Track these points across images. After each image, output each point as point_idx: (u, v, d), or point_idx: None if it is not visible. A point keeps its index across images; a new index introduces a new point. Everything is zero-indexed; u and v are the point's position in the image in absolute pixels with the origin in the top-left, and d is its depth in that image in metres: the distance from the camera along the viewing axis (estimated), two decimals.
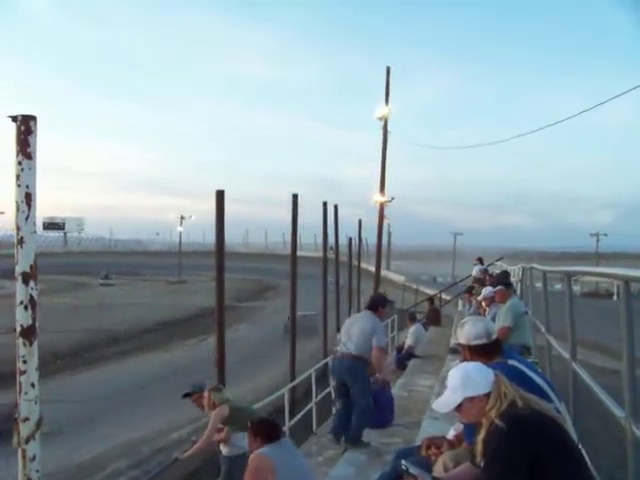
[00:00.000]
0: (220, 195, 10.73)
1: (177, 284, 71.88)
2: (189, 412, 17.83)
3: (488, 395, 3.24)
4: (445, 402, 3.35)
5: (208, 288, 47.58)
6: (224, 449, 8.30)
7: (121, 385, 21.88)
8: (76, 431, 16.26)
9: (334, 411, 9.52)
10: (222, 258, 10.94)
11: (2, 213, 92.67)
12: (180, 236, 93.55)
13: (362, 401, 8.79)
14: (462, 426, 4.68)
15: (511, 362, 4.14)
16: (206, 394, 7.81)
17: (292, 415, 11.89)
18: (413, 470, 3.51)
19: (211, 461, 9.45)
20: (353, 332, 8.81)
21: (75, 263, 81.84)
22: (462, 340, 4.32)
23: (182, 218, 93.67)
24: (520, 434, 3.02)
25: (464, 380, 3.29)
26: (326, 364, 15.98)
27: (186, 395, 8.29)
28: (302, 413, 12.01)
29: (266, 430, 5.37)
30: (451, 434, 4.94)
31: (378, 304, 9.29)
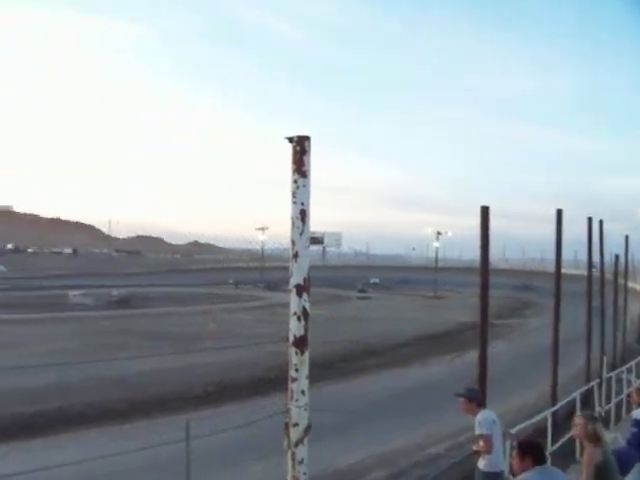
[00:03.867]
0: (485, 211, 10.65)
1: (433, 299, 72.35)
2: (448, 426, 17.81)
3: None
4: None
5: (464, 304, 47.53)
6: (481, 462, 8.10)
7: (377, 397, 22.23)
8: (331, 439, 16.79)
9: None
10: (487, 274, 10.81)
11: (266, 228, 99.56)
12: (436, 252, 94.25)
13: None
14: None
15: None
16: (581, 421, 6.32)
17: (553, 439, 11.39)
18: None
19: (469, 477, 9.32)
20: None
21: (332, 277, 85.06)
22: None
23: (439, 234, 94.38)
24: None
25: None
26: (591, 387, 15.14)
27: (460, 395, 8.11)
28: (566, 438, 11.45)
29: (536, 452, 5.18)
30: None
31: None
